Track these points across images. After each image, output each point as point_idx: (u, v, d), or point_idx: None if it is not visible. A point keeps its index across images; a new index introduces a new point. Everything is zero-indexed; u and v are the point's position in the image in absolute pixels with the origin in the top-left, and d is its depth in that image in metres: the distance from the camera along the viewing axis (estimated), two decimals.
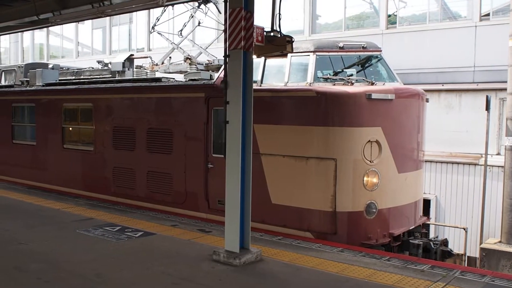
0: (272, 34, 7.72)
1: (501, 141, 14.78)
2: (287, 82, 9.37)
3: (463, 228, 11.82)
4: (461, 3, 16.83)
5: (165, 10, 13.69)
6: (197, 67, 12.10)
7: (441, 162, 15.50)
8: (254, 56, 7.53)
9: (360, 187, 8.74)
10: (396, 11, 17.86)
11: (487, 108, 12.59)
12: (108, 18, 26.75)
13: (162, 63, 13.42)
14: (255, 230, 8.84)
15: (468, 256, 12.10)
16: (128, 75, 12.73)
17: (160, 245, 8.24)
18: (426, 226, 10.72)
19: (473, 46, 15.73)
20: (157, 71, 13.19)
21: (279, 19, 7.88)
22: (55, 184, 13.70)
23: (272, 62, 9.69)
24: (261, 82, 9.63)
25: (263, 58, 9.48)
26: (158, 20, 13.85)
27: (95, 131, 12.50)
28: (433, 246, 9.47)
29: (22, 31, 22.47)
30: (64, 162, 13.42)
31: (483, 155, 13.28)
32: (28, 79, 15.17)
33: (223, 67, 7.72)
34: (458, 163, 15.30)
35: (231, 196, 7.23)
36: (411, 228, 9.79)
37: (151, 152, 11.21)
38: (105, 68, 13.78)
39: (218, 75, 10.16)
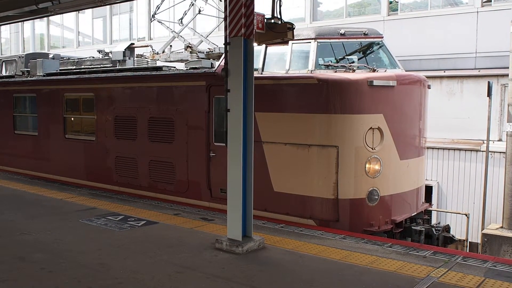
0: (273, 21, 7.66)
1: (503, 127, 14.75)
2: (288, 69, 9.34)
3: (465, 214, 11.85)
4: None
5: None
6: (198, 56, 12.07)
7: (443, 149, 15.49)
8: (255, 44, 7.50)
9: (362, 174, 8.74)
10: None
11: (489, 94, 12.56)
12: (108, 7, 26.77)
13: (163, 51, 13.38)
14: (258, 218, 8.88)
15: (470, 242, 12.12)
16: (129, 64, 12.72)
17: (163, 234, 8.26)
18: (428, 213, 10.74)
19: (474, 32, 15.65)
20: (158, 60, 13.15)
21: (280, 6, 7.82)
22: (57, 174, 13.73)
23: (273, 49, 9.66)
24: (262, 70, 9.60)
25: (264, 45, 9.45)
26: (158, 8, 13.78)
27: (97, 121, 12.49)
28: (435, 232, 9.51)
29: (22, 21, 22.40)
30: (66, 152, 13.43)
31: (485, 141, 13.28)
32: (29, 69, 15.14)
33: (224, 55, 7.68)
34: (460, 149, 15.29)
35: (233, 185, 7.24)
36: (413, 214, 9.81)
37: (152, 141, 11.21)
38: (106, 57, 13.75)
39: (219, 63, 10.13)
